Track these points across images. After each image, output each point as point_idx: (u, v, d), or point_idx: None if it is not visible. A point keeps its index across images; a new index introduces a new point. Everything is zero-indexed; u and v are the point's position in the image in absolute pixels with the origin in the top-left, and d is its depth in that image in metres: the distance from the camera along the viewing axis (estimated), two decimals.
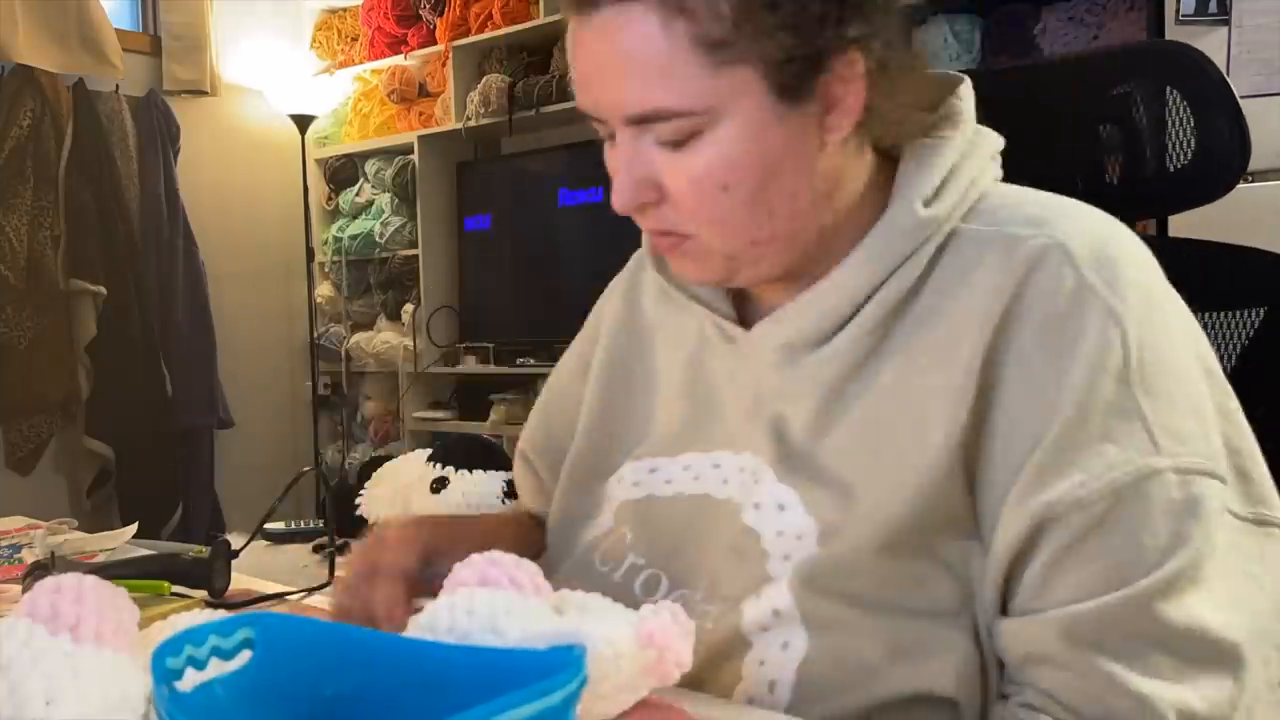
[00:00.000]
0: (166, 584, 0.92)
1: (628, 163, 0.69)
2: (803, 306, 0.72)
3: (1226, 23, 1.98)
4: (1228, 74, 1.94)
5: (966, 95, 0.74)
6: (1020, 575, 0.64)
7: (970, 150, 0.72)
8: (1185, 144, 0.95)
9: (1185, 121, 0.94)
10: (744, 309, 0.79)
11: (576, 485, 0.88)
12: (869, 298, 0.70)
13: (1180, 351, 0.65)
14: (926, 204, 0.70)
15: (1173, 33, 2.04)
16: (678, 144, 0.66)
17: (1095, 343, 0.63)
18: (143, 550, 1.14)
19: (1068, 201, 0.71)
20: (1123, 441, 0.62)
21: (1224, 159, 0.93)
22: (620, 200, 0.70)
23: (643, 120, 0.66)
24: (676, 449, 0.81)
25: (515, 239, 3.72)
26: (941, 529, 0.66)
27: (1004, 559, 0.64)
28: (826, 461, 0.70)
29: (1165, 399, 0.63)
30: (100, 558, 1.10)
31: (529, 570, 0.59)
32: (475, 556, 0.60)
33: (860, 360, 0.71)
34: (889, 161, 0.73)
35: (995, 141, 0.74)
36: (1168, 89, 0.95)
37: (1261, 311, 0.95)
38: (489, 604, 0.57)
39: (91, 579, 0.56)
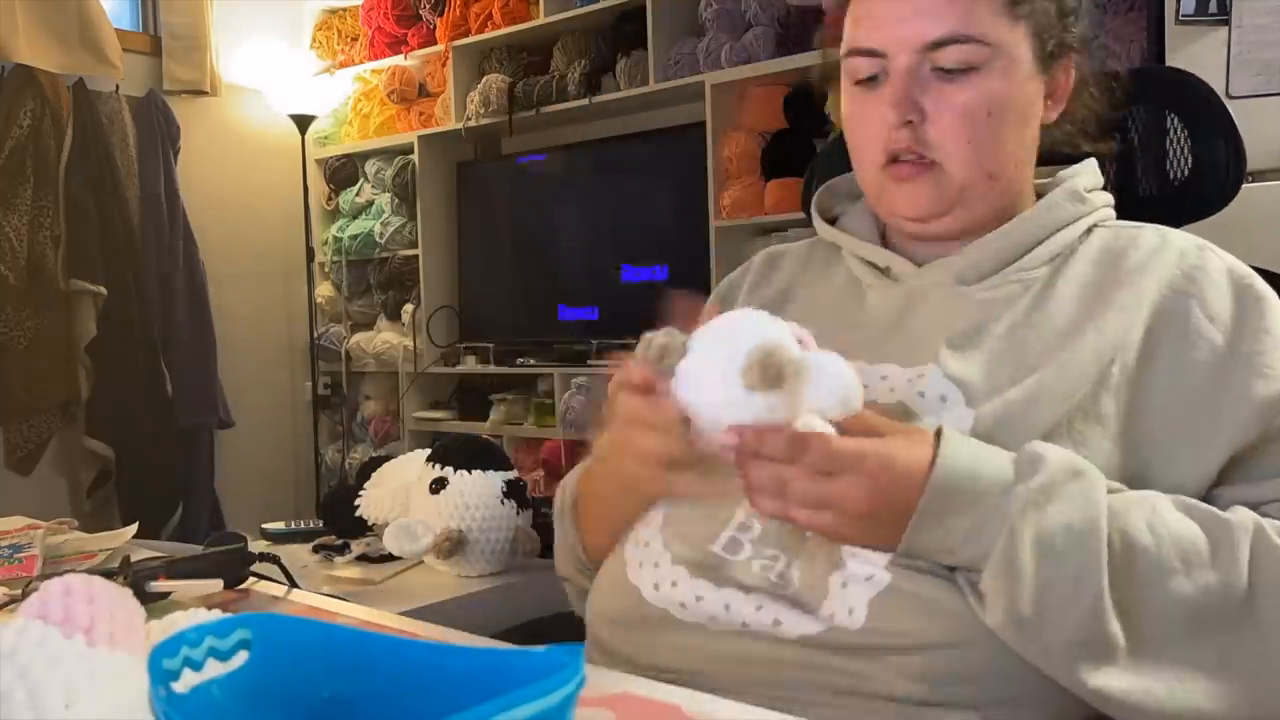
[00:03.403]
0: None
1: (906, 84, 0.83)
2: (974, 249, 0.86)
3: (1226, 23, 1.97)
4: (1227, 74, 1.95)
5: (1092, 162, 0.92)
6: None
7: (1099, 193, 0.91)
8: (1181, 164, 1.00)
9: (1182, 143, 1.02)
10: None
11: None
12: (1030, 250, 0.85)
13: None
14: (1086, 192, 0.88)
15: (1173, 33, 2.04)
16: (955, 72, 0.82)
17: (1264, 302, 0.80)
18: (147, 551, 1.14)
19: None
20: None
21: (1220, 177, 0.99)
22: (895, 112, 0.83)
23: (941, 44, 0.81)
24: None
25: (516, 239, 3.73)
26: (1084, 424, 0.77)
27: (1234, 446, 0.77)
28: (988, 365, 0.80)
29: None
30: (100, 558, 1.10)
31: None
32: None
33: (1020, 293, 0.84)
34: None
35: (1111, 199, 0.91)
36: (1165, 113, 1.03)
37: None
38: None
39: (100, 580, 0.56)
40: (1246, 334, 0.78)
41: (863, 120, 0.87)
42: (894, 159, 0.85)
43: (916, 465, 0.70)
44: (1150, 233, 0.86)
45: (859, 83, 0.86)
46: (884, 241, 0.93)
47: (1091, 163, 0.92)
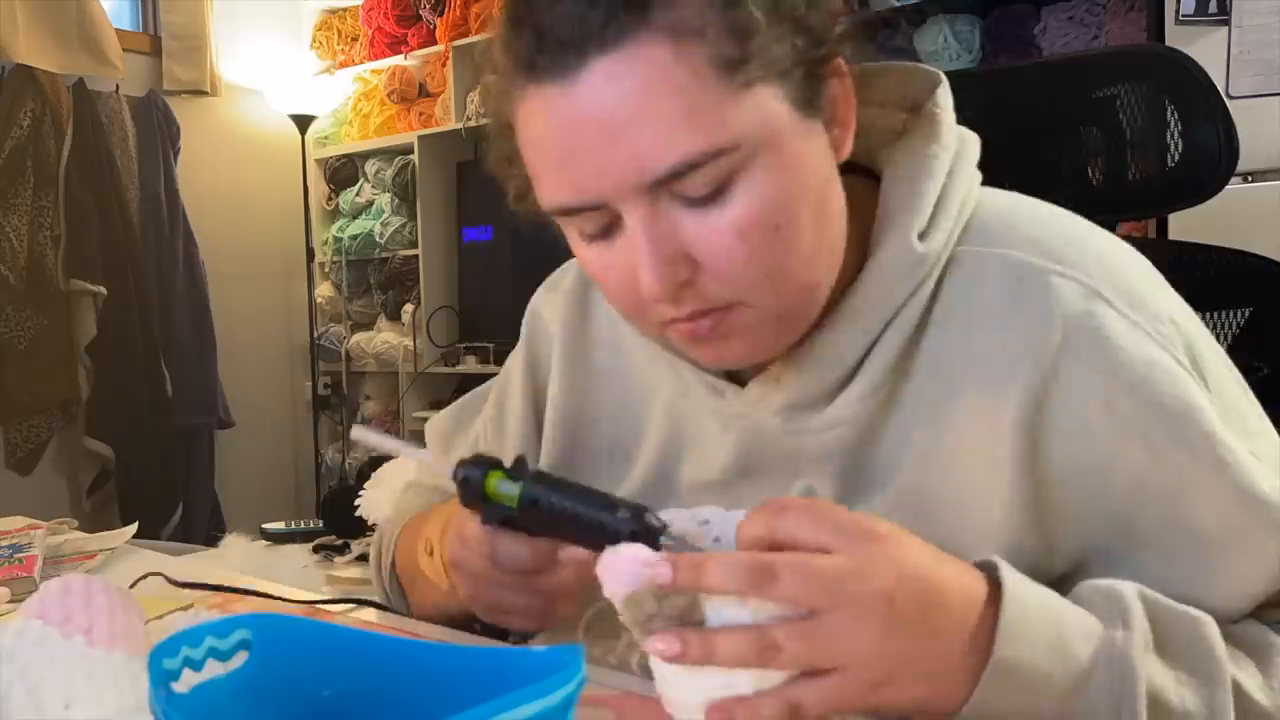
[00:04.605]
0: None
1: (653, 241, 0.57)
2: (799, 363, 0.66)
3: (1226, 23, 1.98)
4: (1227, 74, 1.95)
5: (945, 101, 0.68)
6: None
7: (957, 165, 0.66)
8: (1172, 146, 0.97)
9: (1172, 124, 0.96)
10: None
11: None
12: (871, 348, 0.65)
13: (1220, 364, 0.66)
14: (921, 236, 0.64)
15: (1173, 33, 2.04)
16: (709, 198, 0.57)
17: (1167, 391, 0.60)
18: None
19: (1064, 218, 0.67)
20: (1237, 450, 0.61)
21: (1211, 162, 0.95)
22: (657, 287, 0.58)
23: (671, 177, 0.56)
24: (654, 503, 0.73)
25: (515, 239, 3.72)
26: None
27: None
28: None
29: (1236, 415, 0.63)
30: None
31: None
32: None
33: (872, 421, 0.65)
34: (855, 179, 0.67)
35: (976, 145, 0.69)
36: (1153, 93, 0.98)
37: (1246, 312, 0.96)
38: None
39: (99, 580, 0.56)
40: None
41: (618, 284, 0.62)
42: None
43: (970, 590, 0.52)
44: (1013, 281, 0.63)
45: (590, 235, 0.62)
46: None
47: (929, 148, 0.66)
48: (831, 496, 0.67)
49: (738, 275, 0.59)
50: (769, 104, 0.57)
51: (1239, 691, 0.56)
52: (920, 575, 0.50)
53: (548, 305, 0.85)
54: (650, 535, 0.54)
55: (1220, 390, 0.63)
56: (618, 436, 0.79)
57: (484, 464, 0.61)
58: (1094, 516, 0.61)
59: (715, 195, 0.57)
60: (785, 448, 0.69)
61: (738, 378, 0.70)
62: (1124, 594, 0.55)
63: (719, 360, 0.65)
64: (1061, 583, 0.60)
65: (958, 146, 0.67)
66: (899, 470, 0.65)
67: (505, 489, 0.59)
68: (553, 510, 0.58)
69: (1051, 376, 0.60)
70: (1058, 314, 0.61)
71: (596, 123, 0.56)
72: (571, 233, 0.64)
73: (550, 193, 0.61)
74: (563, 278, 0.85)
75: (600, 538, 0.55)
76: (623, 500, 0.57)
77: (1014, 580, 0.52)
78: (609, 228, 0.60)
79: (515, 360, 0.86)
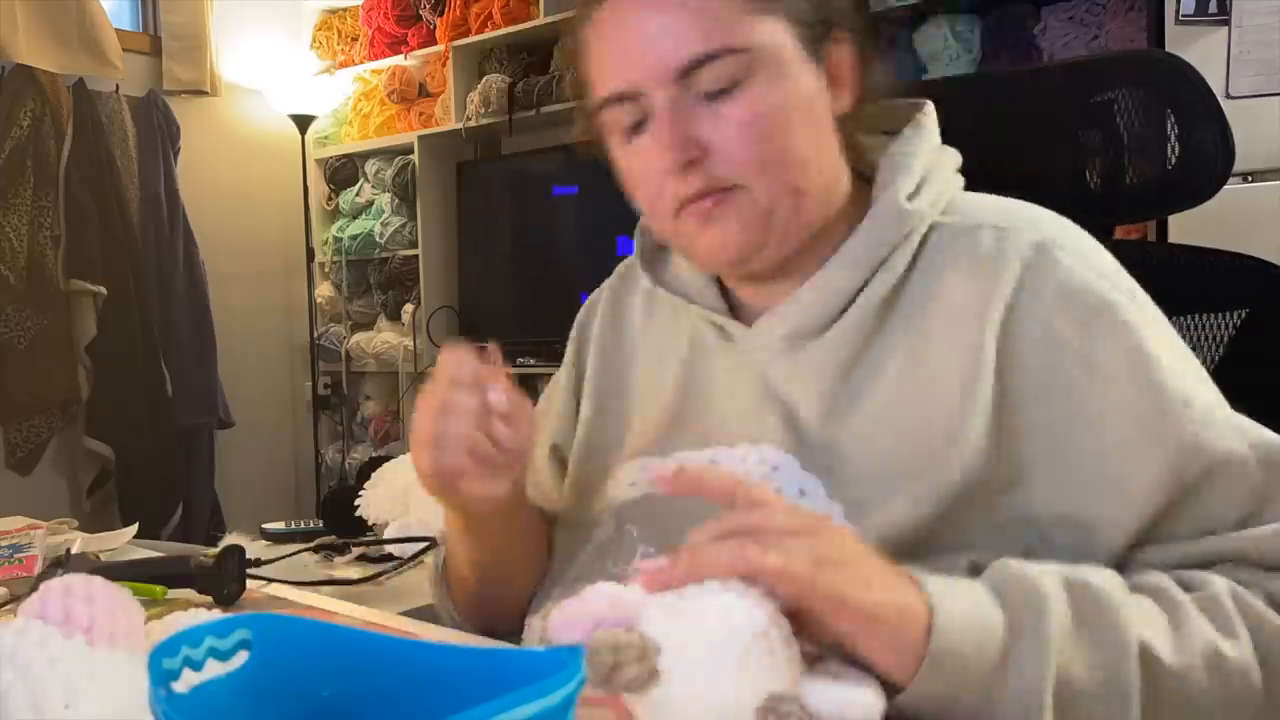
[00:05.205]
0: (161, 589, 0.90)
1: (673, 120, 0.73)
2: (801, 298, 0.78)
3: (1226, 23, 1.98)
4: (1227, 74, 1.95)
5: (930, 114, 0.82)
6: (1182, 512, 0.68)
7: (941, 158, 0.80)
8: (1170, 151, 0.97)
9: (1169, 129, 0.97)
10: (736, 316, 0.83)
11: (576, 499, 0.89)
12: (863, 286, 0.76)
13: (1165, 326, 0.74)
14: (909, 199, 0.76)
15: (1173, 33, 2.04)
16: (722, 92, 0.73)
17: (1110, 318, 0.70)
18: (146, 552, 1.14)
19: (1028, 205, 0.79)
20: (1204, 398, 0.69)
21: (1207, 165, 0.96)
22: (671, 156, 0.73)
23: (697, 65, 0.72)
24: (668, 447, 0.83)
25: (516, 239, 3.73)
26: (973, 508, 0.69)
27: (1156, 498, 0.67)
28: (845, 448, 0.74)
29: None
30: (101, 558, 1.10)
31: None
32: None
33: (861, 345, 0.76)
34: (860, 181, 0.81)
35: (958, 157, 0.82)
36: (1150, 98, 0.99)
37: (1242, 314, 0.97)
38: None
39: (99, 580, 0.57)
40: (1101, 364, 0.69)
41: (644, 174, 0.77)
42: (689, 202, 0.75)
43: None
44: (985, 237, 0.74)
45: (627, 131, 0.77)
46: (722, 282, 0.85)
47: (917, 142, 0.79)
48: (818, 410, 0.75)
49: (737, 158, 0.73)
50: (778, 33, 0.74)
51: (1151, 656, 0.58)
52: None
53: (597, 296, 0.98)
54: None
55: (1159, 335, 0.71)
56: (643, 389, 0.89)
57: None
58: (1036, 430, 0.70)
59: (725, 93, 0.73)
60: (779, 373, 0.78)
61: (746, 322, 0.82)
62: (1041, 584, 0.58)
63: (717, 245, 0.76)
64: (1004, 496, 0.69)
65: (940, 151, 0.81)
66: (880, 383, 0.74)
67: None
68: None
69: (1010, 302, 0.71)
70: (1015, 255, 0.73)
71: (647, 24, 0.73)
72: (615, 137, 0.78)
73: (600, 83, 0.77)
74: (605, 286, 0.98)
75: None
76: None
77: (944, 610, 0.56)
78: (641, 123, 0.75)
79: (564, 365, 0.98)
